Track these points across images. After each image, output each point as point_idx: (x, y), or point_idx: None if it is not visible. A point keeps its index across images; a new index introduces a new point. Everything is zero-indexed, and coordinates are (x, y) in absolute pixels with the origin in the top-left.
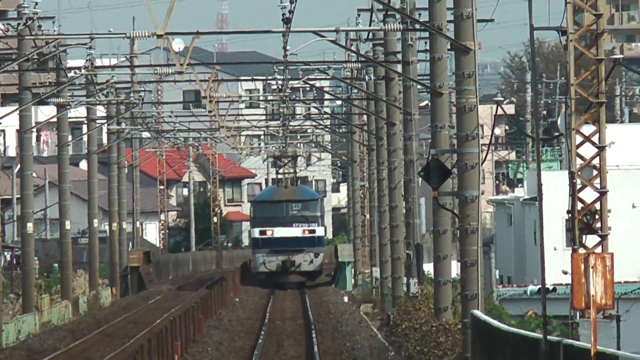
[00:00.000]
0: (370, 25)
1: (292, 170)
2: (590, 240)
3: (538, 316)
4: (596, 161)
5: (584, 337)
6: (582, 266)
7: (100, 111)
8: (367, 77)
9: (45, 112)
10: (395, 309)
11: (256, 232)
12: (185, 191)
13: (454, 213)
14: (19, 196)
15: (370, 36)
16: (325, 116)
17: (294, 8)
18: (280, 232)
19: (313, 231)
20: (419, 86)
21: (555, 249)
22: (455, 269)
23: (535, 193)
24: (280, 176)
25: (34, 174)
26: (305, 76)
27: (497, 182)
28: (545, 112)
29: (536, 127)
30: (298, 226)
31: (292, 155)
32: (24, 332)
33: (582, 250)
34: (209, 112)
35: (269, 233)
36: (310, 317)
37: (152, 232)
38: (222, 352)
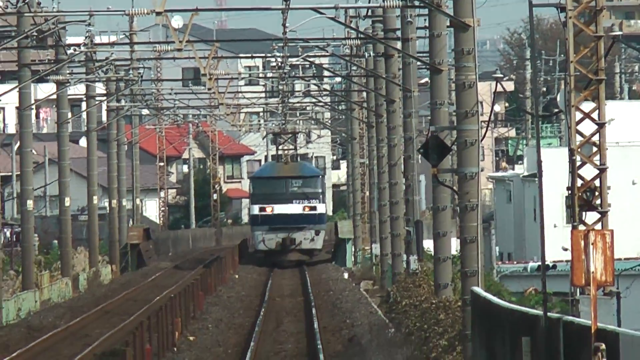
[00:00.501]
0: (369, 2)
1: (292, 147)
2: (590, 217)
3: (538, 293)
4: (596, 138)
5: (584, 313)
6: (582, 243)
7: (100, 88)
8: (366, 54)
9: (45, 90)
10: (395, 286)
11: (255, 209)
12: (185, 168)
13: (454, 190)
14: (18, 173)
15: (370, 13)
16: (325, 93)
17: None
18: (280, 209)
19: (314, 208)
20: (418, 63)
21: (555, 225)
22: (455, 245)
23: (535, 170)
24: (280, 153)
25: (34, 151)
26: (304, 53)
27: (496, 159)
28: (544, 89)
29: (535, 104)
30: (298, 203)
31: (292, 132)
32: (24, 309)
33: (582, 227)
34: (209, 89)
35: (268, 210)
36: (310, 294)
37: (152, 209)
38: (222, 328)
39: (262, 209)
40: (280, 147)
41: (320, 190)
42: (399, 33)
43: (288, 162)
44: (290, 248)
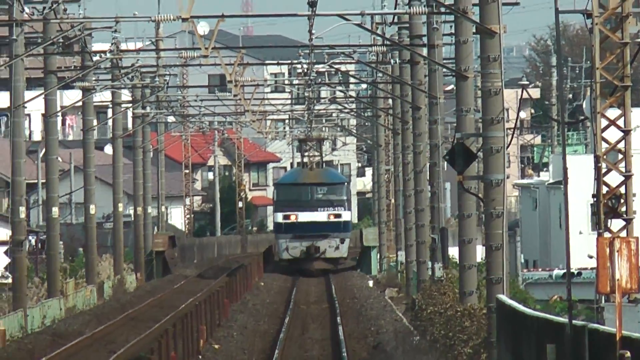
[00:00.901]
0: (395, 9)
1: (317, 154)
2: (616, 224)
3: (563, 300)
4: (621, 145)
5: (609, 321)
6: (608, 250)
7: (126, 95)
8: (392, 61)
9: (71, 96)
10: (420, 293)
11: (279, 217)
12: (210, 175)
13: (479, 197)
14: (44, 181)
15: (396, 20)
16: (351, 100)
17: None
18: (305, 216)
19: (339, 216)
20: (444, 70)
21: (580, 232)
22: (480, 253)
23: (561, 177)
24: (305, 160)
25: (59, 158)
26: (330, 60)
27: (522, 166)
28: (570, 95)
29: (561, 111)
30: (323, 210)
31: (317, 138)
32: (49, 316)
33: (607, 234)
34: (234, 96)
35: (292, 217)
36: (335, 301)
37: (177, 217)
38: (247, 336)
39: (286, 217)
40: (305, 154)
41: (345, 198)
42: (424, 40)
43: (313, 168)
44: (314, 256)
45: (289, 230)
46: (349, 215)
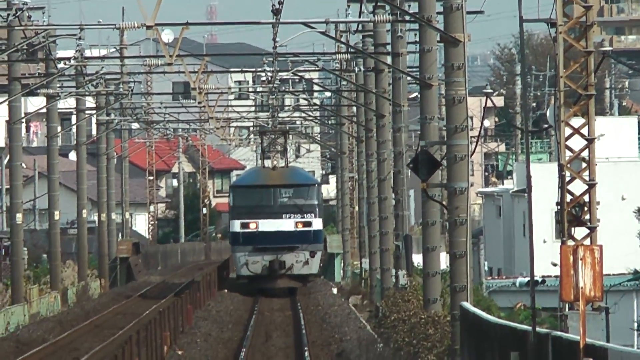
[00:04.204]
0: (359, 17)
1: (280, 148)
2: (579, 232)
3: (527, 308)
4: (585, 153)
5: (573, 329)
6: (571, 258)
7: (90, 102)
8: (356, 69)
9: (35, 103)
10: (384, 301)
11: (236, 225)
12: (174, 182)
13: (443, 205)
14: (8, 187)
15: (360, 28)
16: (315, 108)
17: None
18: (267, 225)
19: (308, 224)
20: (408, 78)
21: (544, 241)
22: (444, 260)
23: (525, 185)
24: (267, 161)
25: (23, 165)
26: (294, 68)
27: (486, 174)
28: (534, 104)
29: (525, 119)
30: (289, 218)
31: (282, 130)
32: (12, 323)
33: (571, 242)
34: (199, 103)
35: (252, 226)
36: (299, 308)
37: (141, 223)
38: (211, 343)
39: (244, 225)
40: (267, 149)
41: (316, 202)
42: (389, 48)
43: (276, 167)
44: (279, 273)
45: (248, 241)
46: (320, 223)
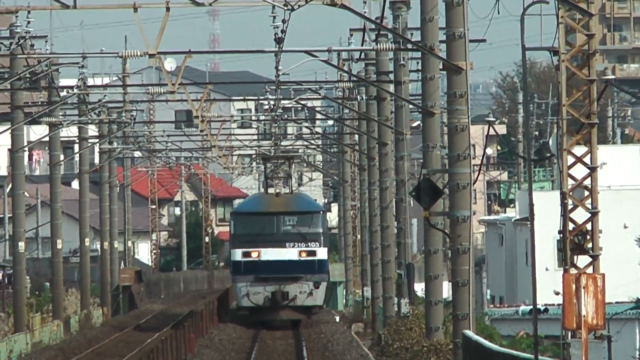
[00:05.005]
0: (362, 45)
1: (286, 171)
2: (582, 260)
3: (529, 336)
4: (588, 182)
5: (576, 357)
6: (574, 286)
7: (92, 130)
8: (359, 97)
9: (37, 131)
10: (386, 329)
11: (238, 254)
12: (176, 211)
13: (446, 233)
14: (10, 215)
15: (363, 56)
16: (317, 136)
17: (286, 28)
18: (270, 253)
19: (313, 253)
20: (410, 106)
21: (547, 269)
22: (446, 289)
23: (527, 213)
24: (271, 190)
25: (26, 193)
26: (297, 96)
27: (488, 202)
28: (537, 132)
29: (528, 148)
30: (293, 246)
31: (286, 156)
32: (15, 351)
33: (573, 271)
34: (201, 131)
35: (254, 255)
36: (302, 336)
37: (143, 252)
38: None
39: (246, 254)
40: (270, 175)
41: (321, 230)
42: (391, 76)
43: (280, 193)
44: (282, 304)
45: (249, 271)
46: (325, 252)
